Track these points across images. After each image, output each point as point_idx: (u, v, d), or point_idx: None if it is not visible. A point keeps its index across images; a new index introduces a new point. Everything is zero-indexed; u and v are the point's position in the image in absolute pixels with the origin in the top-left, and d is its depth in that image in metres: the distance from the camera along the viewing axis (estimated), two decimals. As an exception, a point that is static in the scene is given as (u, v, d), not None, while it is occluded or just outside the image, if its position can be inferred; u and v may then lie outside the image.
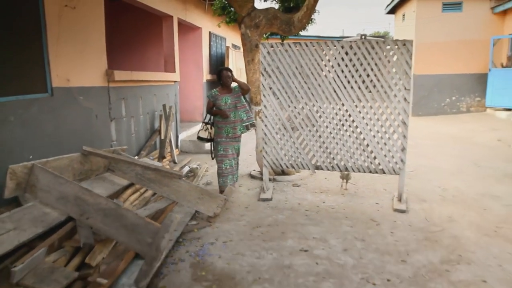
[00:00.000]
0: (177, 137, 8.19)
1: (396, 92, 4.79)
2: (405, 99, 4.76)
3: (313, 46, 5.00)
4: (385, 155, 4.95)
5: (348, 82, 4.94)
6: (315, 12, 6.41)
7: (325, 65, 5.01)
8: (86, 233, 3.21)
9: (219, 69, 5.47)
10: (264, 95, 5.28)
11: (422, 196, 5.37)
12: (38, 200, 3.35)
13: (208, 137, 5.43)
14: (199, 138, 5.48)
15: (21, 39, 4.00)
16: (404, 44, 4.68)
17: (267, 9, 6.04)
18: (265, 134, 5.37)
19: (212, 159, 5.60)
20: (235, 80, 5.32)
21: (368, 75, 4.85)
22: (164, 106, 7.31)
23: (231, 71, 5.38)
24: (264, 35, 8.01)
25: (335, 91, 5.01)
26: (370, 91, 4.91)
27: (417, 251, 3.75)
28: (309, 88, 5.10)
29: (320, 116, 5.12)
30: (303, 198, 5.34)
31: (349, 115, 5.00)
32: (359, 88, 4.91)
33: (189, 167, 6.54)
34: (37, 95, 4.10)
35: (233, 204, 5.07)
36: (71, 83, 4.61)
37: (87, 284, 2.90)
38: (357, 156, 5.06)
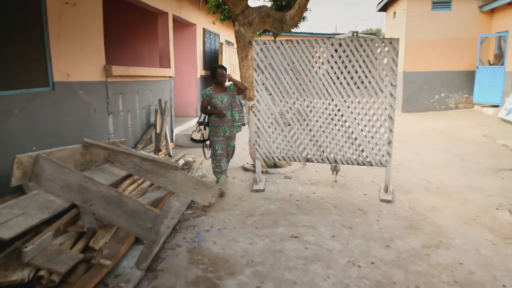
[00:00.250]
0: (172, 131, 8.38)
1: (383, 88, 5.02)
2: (391, 94, 5.00)
3: (304, 44, 5.21)
4: (372, 148, 5.19)
5: (338, 78, 5.16)
6: (307, 10, 6.62)
7: (316, 62, 5.22)
8: (90, 219, 3.40)
9: (213, 67, 5.45)
10: (257, 90, 5.48)
11: (408, 188, 5.62)
12: (42, 189, 3.53)
13: (201, 139, 5.41)
14: (192, 139, 5.48)
15: (25, 35, 4.17)
16: (391, 42, 4.91)
17: (260, 7, 6.24)
18: (258, 128, 5.58)
19: (206, 158, 5.64)
20: (231, 79, 5.36)
21: (356, 72, 5.08)
22: (159, 101, 7.50)
23: (225, 69, 5.42)
24: (257, 32, 8.20)
25: (325, 87, 5.23)
26: (358, 87, 5.13)
27: (400, 238, 4.00)
28: (300, 84, 5.32)
29: (310, 111, 5.34)
30: (294, 189, 5.57)
31: (338, 110, 5.23)
32: (348, 84, 5.14)
33: (183, 160, 6.74)
34: (40, 89, 4.27)
35: (227, 195, 5.28)
36: (71, 78, 4.79)
37: (91, 265, 3.10)
38: (345, 149, 5.30)
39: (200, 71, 10.70)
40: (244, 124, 5.74)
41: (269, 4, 7.84)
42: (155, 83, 7.66)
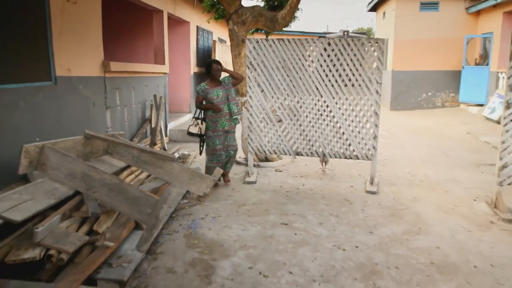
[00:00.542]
0: (166, 126, 8.59)
1: (369, 86, 5.30)
2: (377, 92, 5.28)
3: (295, 43, 5.47)
4: (358, 142, 5.47)
5: (326, 76, 5.43)
6: (298, 10, 6.88)
7: (306, 60, 5.49)
8: (93, 204, 3.63)
9: (208, 61, 5.45)
10: (249, 86, 5.73)
11: (392, 181, 5.91)
12: (47, 177, 3.75)
13: (199, 133, 5.37)
14: (189, 133, 5.43)
15: (29, 31, 4.37)
16: (377, 42, 5.19)
17: (253, 7, 6.49)
18: (250, 122, 5.83)
19: (200, 154, 5.69)
20: (225, 71, 5.43)
21: (344, 70, 5.35)
22: (155, 96, 7.71)
23: (220, 64, 5.42)
24: (249, 31, 8.45)
25: (314, 84, 5.49)
26: (346, 85, 5.41)
27: (383, 225, 4.28)
28: (291, 81, 5.58)
29: (300, 107, 5.60)
30: (284, 181, 5.83)
31: (327, 106, 5.50)
32: (336, 81, 5.41)
33: (178, 154, 6.96)
34: (43, 83, 4.48)
35: (220, 186, 5.52)
36: (71, 73, 4.99)
37: (94, 248, 3.33)
38: (334, 143, 5.57)
39: (194, 68, 10.92)
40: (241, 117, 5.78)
41: (261, 4, 8.12)
42: (150, 79, 7.87)
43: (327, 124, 5.55)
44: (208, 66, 5.36)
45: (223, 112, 5.29)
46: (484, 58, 13.12)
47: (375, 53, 5.20)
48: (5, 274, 2.86)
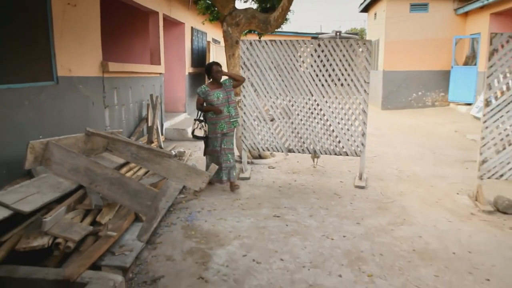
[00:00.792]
0: (162, 125, 8.80)
1: (357, 85, 5.55)
2: (365, 90, 5.53)
3: (287, 44, 5.71)
4: (348, 139, 5.72)
5: (317, 75, 5.68)
6: (290, 12, 7.10)
7: (297, 61, 5.73)
8: (96, 197, 3.84)
9: (209, 63, 5.45)
10: (243, 86, 5.96)
11: (381, 176, 6.17)
12: (52, 172, 3.95)
13: (204, 135, 5.39)
14: (195, 136, 5.44)
15: (32, 33, 4.57)
16: (364, 44, 5.44)
17: (246, 9, 6.71)
18: (244, 121, 6.06)
19: (204, 155, 5.64)
20: (226, 74, 5.46)
21: (333, 70, 5.60)
22: (151, 96, 7.92)
23: (220, 65, 5.43)
24: (243, 32, 8.68)
25: (305, 83, 5.74)
26: (335, 84, 5.66)
27: (370, 217, 4.53)
28: (282, 81, 5.82)
29: (292, 105, 5.84)
30: (277, 177, 6.07)
31: (318, 105, 5.75)
32: (326, 81, 5.66)
33: (174, 151, 7.17)
34: (46, 83, 4.68)
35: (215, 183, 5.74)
36: (72, 73, 5.19)
37: (97, 238, 3.54)
38: (324, 140, 5.82)
39: (189, 68, 11.13)
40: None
41: (254, 6, 8.33)
42: (147, 79, 8.08)
43: (317, 122, 5.80)
44: (208, 68, 5.38)
45: (223, 114, 5.29)
46: (472, 59, 13.44)
47: (363, 54, 5.45)
48: (13, 262, 3.06)
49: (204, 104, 5.35)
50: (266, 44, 5.77)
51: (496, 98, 4.79)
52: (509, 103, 4.73)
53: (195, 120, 5.42)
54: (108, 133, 4.99)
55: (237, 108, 5.56)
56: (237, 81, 5.52)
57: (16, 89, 4.18)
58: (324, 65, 5.63)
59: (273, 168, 6.62)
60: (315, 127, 5.82)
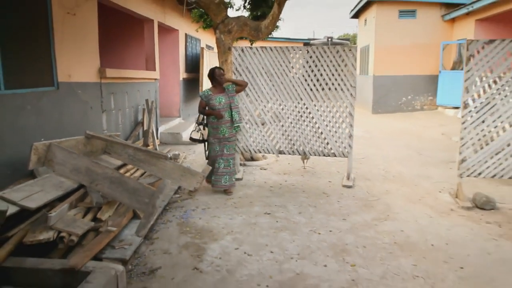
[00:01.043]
0: (157, 129, 9.03)
1: (344, 89, 5.83)
2: (351, 94, 5.82)
3: (277, 51, 5.99)
4: (335, 141, 5.99)
5: (306, 80, 5.96)
6: (280, 20, 7.38)
7: (287, 66, 6.01)
8: (97, 195, 4.07)
9: (211, 68, 5.53)
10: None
11: (367, 177, 6.44)
12: (54, 172, 4.18)
13: (201, 138, 5.55)
14: (192, 139, 5.60)
15: (34, 41, 4.81)
16: (350, 50, 5.73)
17: (238, 17, 6.99)
18: (237, 124, 6.32)
19: (207, 159, 5.74)
20: (229, 80, 5.60)
21: (321, 75, 5.88)
22: (147, 100, 8.16)
23: (223, 69, 5.57)
24: (235, 39, 8.96)
25: (294, 88, 6.01)
26: (323, 89, 5.94)
27: (355, 213, 4.79)
28: (273, 86, 6.09)
29: (282, 109, 6.11)
30: (268, 178, 6.32)
31: (307, 108, 6.02)
32: (315, 85, 5.94)
33: (169, 154, 7.40)
34: (47, 88, 4.92)
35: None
36: (71, 79, 5.43)
37: (98, 233, 3.76)
38: (313, 142, 6.09)
39: (183, 74, 11.39)
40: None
41: (246, 14, 8.62)
42: (142, 85, 8.32)
43: (307, 125, 6.07)
44: (211, 72, 5.47)
45: (224, 119, 5.39)
46: (459, 63, 13.81)
47: (349, 60, 5.74)
48: (20, 255, 3.28)
49: (206, 108, 5.46)
50: (257, 50, 6.04)
51: (474, 101, 5.09)
52: (485, 105, 5.03)
53: (195, 123, 5.59)
54: (106, 136, 5.22)
55: (240, 114, 5.63)
56: (240, 86, 5.64)
57: (20, 94, 4.41)
58: (312, 71, 5.92)
59: (264, 169, 6.87)
60: (304, 130, 6.08)
